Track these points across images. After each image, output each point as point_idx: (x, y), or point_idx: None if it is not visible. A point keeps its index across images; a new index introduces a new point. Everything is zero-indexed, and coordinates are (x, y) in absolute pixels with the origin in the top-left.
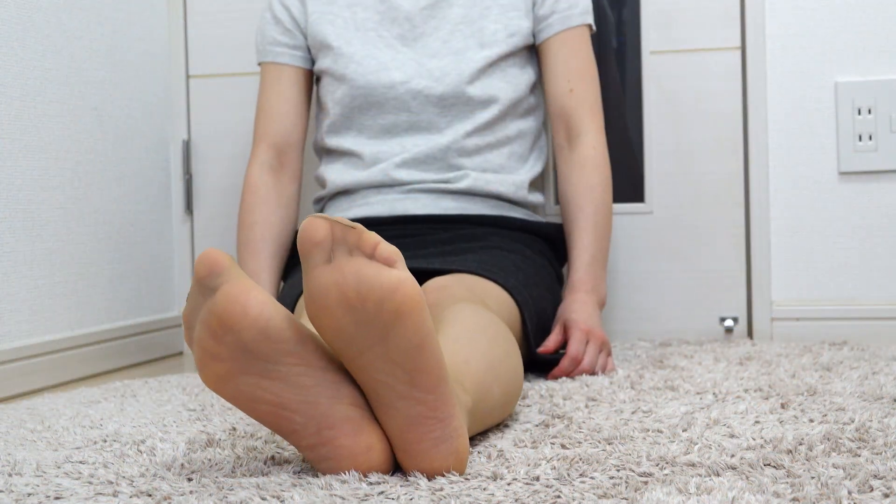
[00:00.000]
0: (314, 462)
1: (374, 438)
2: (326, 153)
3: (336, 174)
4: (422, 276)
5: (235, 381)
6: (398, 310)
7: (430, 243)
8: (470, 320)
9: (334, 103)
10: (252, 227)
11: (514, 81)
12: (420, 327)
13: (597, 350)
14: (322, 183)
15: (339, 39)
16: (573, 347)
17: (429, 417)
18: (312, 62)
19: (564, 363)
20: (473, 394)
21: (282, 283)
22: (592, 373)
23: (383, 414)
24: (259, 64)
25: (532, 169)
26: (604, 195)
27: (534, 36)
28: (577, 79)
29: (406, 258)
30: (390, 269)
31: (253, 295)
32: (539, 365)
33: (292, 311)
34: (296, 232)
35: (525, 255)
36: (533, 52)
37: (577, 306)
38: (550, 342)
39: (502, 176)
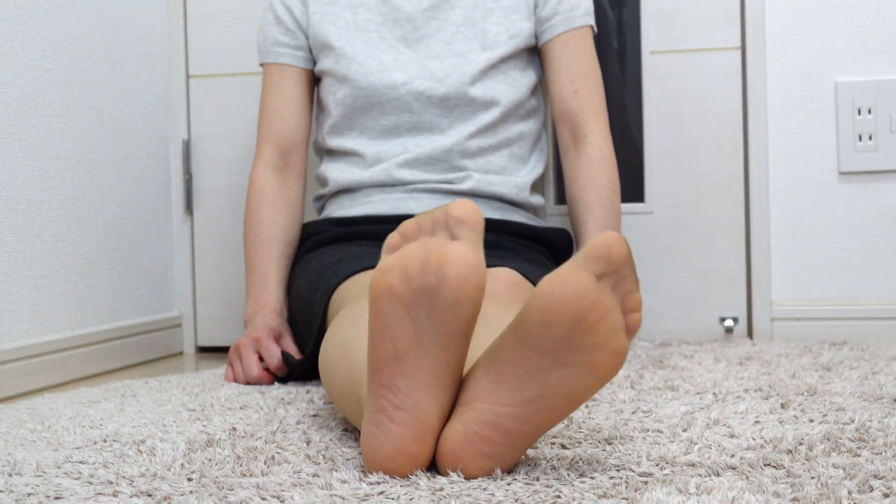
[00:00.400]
0: (365, 422)
1: (426, 451)
2: (328, 153)
3: (338, 172)
4: None
5: (392, 306)
6: (596, 370)
7: None
8: None
9: (336, 104)
10: (259, 228)
11: (516, 84)
12: (592, 391)
13: None
14: (323, 182)
15: (340, 40)
16: None
17: (505, 436)
18: (314, 63)
19: None
20: None
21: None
22: None
23: (468, 408)
24: (261, 65)
25: (533, 171)
26: (612, 196)
27: (536, 38)
28: (581, 79)
29: None
30: (626, 336)
31: (479, 275)
32: None
33: (338, 283)
34: (300, 230)
35: (544, 265)
36: (534, 54)
37: None
38: None
39: (504, 177)
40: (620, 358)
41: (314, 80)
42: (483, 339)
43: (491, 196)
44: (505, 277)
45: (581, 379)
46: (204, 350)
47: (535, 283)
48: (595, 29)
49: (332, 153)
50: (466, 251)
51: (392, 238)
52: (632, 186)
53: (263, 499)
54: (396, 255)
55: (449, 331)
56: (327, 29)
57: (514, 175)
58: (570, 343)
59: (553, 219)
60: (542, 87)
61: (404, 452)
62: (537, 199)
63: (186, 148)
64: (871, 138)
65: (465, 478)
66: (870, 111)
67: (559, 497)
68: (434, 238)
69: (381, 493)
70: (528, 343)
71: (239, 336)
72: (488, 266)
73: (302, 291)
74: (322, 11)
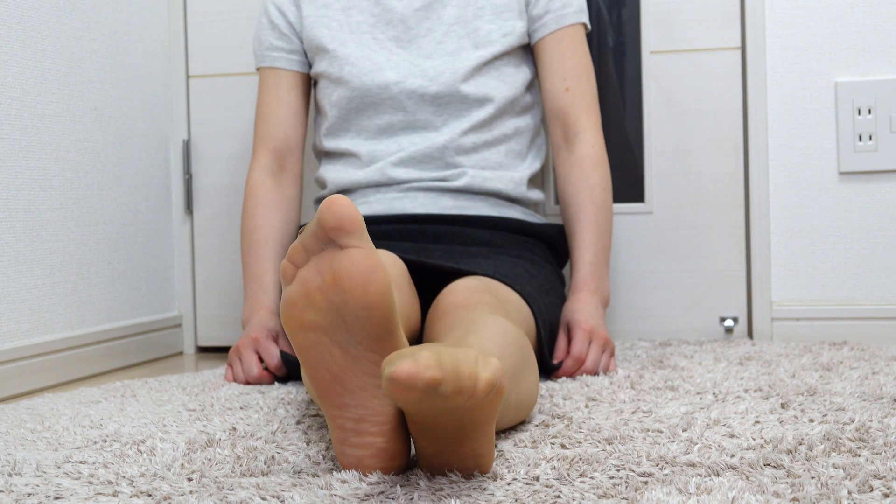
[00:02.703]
0: (335, 443)
1: (403, 446)
2: (326, 155)
3: (335, 174)
4: (437, 274)
5: (310, 336)
6: (476, 412)
7: (432, 243)
8: (502, 333)
9: (331, 106)
10: (255, 231)
11: (510, 80)
12: (493, 415)
13: (600, 350)
14: (322, 184)
15: (334, 42)
16: (576, 347)
17: (461, 454)
18: (310, 66)
19: (568, 363)
20: None
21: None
22: (595, 373)
23: (419, 449)
24: (257, 69)
25: (531, 166)
26: (604, 194)
27: (529, 36)
28: (573, 77)
29: (416, 256)
30: (486, 385)
31: (378, 273)
32: (542, 366)
33: None
34: (299, 231)
35: (533, 262)
36: (528, 51)
37: (580, 306)
38: (560, 351)
39: (500, 173)
40: (489, 398)
41: (310, 84)
42: (474, 339)
43: (487, 192)
44: (463, 285)
45: (474, 417)
46: (204, 350)
47: (502, 282)
48: (589, 26)
49: (330, 155)
50: (356, 258)
51: (285, 268)
52: (631, 186)
53: (263, 499)
54: (294, 286)
55: (372, 335)
56: (321, 32)
57: (510, 170)
58: (445, 417)
59: (554, 218)
60: (537, 84)
61: (382, 457)
62: (536, 195)
63: (186, 148)
64: (871, 138)
65: (463, 477)
66: (870, 111)
67: (559, 497)
68: (322, 255)
69: (381, 493)
70: (421, 423)
71: (239, 336)
72: (451, 272)
73: None
74: (315, 14)
